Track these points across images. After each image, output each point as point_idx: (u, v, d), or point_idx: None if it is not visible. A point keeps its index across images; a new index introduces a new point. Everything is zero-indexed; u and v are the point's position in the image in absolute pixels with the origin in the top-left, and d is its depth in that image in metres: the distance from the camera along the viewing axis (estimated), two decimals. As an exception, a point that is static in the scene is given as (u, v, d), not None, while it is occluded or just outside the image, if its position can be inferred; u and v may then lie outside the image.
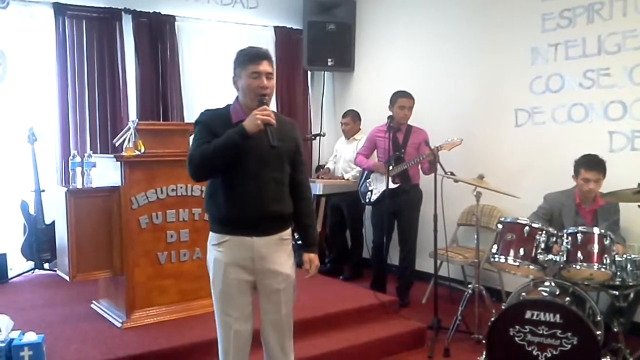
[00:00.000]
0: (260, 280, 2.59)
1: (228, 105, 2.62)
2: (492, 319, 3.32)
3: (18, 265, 5.30)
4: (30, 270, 5.29)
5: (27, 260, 5.26)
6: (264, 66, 2.49)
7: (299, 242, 2.83)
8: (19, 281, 5.15)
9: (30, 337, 3.10)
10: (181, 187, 3.97)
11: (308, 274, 2.72)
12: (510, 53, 4.99)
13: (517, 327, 3.23)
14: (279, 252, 2.59)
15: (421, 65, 5.83)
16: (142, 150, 3.86)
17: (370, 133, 5.29)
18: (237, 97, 2.60)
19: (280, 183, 2.58)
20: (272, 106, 6.49)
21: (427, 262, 4.88)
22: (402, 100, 4.93)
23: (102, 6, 5.62)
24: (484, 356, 3.37)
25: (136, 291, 3.85)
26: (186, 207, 4.00)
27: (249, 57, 2.51)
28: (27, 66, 5.37)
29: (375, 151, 5.25)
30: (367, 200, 5.22)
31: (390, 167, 4.82)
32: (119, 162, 3.80)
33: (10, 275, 5.16)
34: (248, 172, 2.50)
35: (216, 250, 2.58)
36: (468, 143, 4.75)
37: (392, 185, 4.84)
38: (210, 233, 2.62)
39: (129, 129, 3.91)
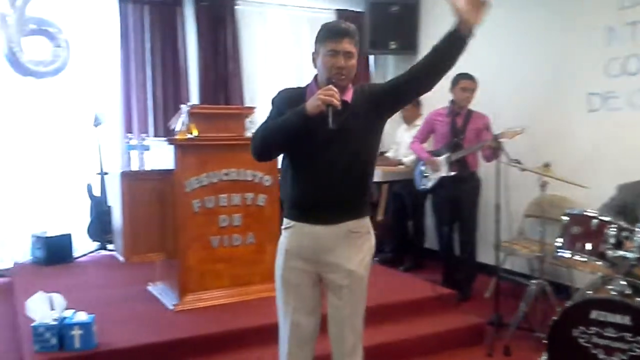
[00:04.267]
0: (324, 273, 2.41)
1: (308, 85, 2.43)
2: (554, 317, 3.09)
3: (84, 245, 5.47)
4: (95, 250, 5.44)
5: (93, 240, 5.42)
6: (344, 44, 2.26)
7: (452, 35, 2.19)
8: (84, 261, 5.32)
9: (81, 316, 3.15)
10: (233, 172, 3.93)
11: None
12: (584, 33, 4.63)
13: (581, 327, 2.98)
14: (344, 245, 2.37)
15: (488, 48, 5.52)
16: (195, 134, 3.85)
17: (428, 116, 5.08)
18: (315, 76, 2.39)
19: (349, 168, 2.34)
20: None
21: (491, 254, 4.65)
22: (464, 82, 4.68)
23: (165, -8, 5.68)
24: (545, 357, 3.15)
25: (189, 274, 3.85)
26: (239, 191, 3.96)
27: (328, 34, 2.28)
28: (92, 52, 5.49)
29: (432, 136, 5.04)
30: (422, 186, 5.03)
31: (447, 155, 4.61)
32: (172, 146, 3.80)
33: (75, 255, 5.33)
34: (313, 155, 2.32)
35: (283, 235, 2.46)
36: (535, 129, 4.48)
37: (448, 174, 4.64)
38: (283, 218, 2.49)
39: (183, 113, 3.90)
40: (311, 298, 2.45)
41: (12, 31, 4.63)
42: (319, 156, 2.32)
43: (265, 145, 2.34)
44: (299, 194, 2.39)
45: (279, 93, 2.45)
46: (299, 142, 2.30)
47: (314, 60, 2.37)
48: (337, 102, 2.18)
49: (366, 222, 2.46)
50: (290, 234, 2.43)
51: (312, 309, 2.45)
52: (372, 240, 2.51)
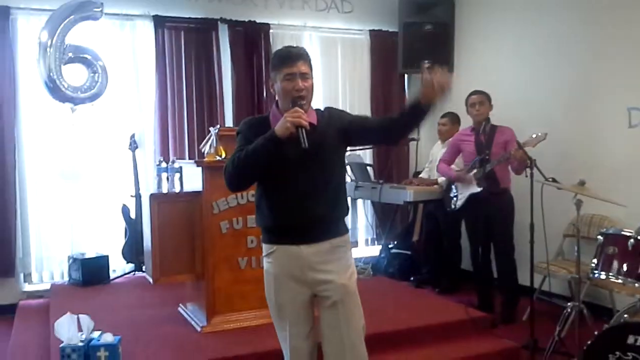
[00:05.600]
0: (317, 292, 2.43)
1: (269, 112, 2.50)
2: (589, 341, 2.94)
3: (121, 267, 5.57)
4: (131, 272, 5.52)
5: (127, 262, 5.51)
6: (299, 67, 2.33)
7: (414, 106, 2.31)
8: (119, 282, 5.40)
9: (107, 338, 3.18)
10: (261, 193, 3.93)
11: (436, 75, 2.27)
12: (625, 44, 4.49)
13: (617, 353, 2.83)
14: (330, 261, 2.42)
15: (526, 64, 5.44)
16: (223, 156, 3.88)
17: (453, 138, 5.05)
18: (276, 102, 2.47)
19: (325, 186, 2.40)
20: (364, 111, 6.43)
21: (528, 275, 4.49)
22: (470, 98, 4.74)
23: (199, 17, 5.78)
24: (580, 383, 3.01)
25: (216, 296, 3.86)
26: (266, 212, 3.95)
27: (282, 59, 2.36)
28: (129, 77, 5.64)
29: (460, 156, 4.95)
30: (453, 207, 4.93)
31: (474, 171, 4.52)
32: (200, 168, 3.84)
33: (112, 276, 5.42)
34: (288, 178, 2.36)
35: (266, 261, 2.49)
36: (570, 145, 4.34)
37: (476, 190, 4.55)
38: (263, 245, 2.52)
39: (211, 135, 3.95)
40: (306, 322, 2.47)
41: (51, 60, 4.79)
42: (295, 178, 2.36)
43: (239, 175, 2.37)
44: (278, 217, 2.41)
45: (244, 123, 2.51)
46: (273, 167, 2.33)
47: (271, 87, 2.45)
48: (305, 123, 2.25)
49: (347, 237, 2.51)
50: (275, 259, 2.45)
51: (307, 332, 2.47)
52: (352, 255, 2.56)
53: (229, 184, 2.42)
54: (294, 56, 2.35)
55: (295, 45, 2.47)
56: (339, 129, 2.45)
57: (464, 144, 4.82)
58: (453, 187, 4.96)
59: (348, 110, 2.69)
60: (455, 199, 4.90)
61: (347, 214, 2.52)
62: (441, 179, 5.50)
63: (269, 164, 2.31)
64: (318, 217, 2.39)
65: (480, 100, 4.69)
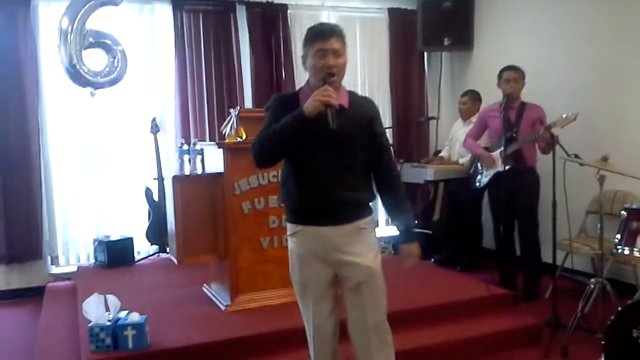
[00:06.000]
0: (340, 272, 2.44)
1: (300, 89, 2.49)
2: (612, 317, 2.93)
3: (145, 248, 5.65)
4: (155, 254, 5.60)
5: (152, 244, 5.59)
6: (331, 43, 2.30)
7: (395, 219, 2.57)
8: (144, 264, 5.49)
9: (134, 317, 3.24)
10: (282, 173, 3.96)
11: (404, 263, 2.50)
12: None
13: (641, 328, 2.83)
14: (355, 242, 2.41)
15: (547, 39, 5.35)
16: (244, 137, 3.90)
17: (481, 112, 4.99)
18: (307, 79, 2.45)
19: (351, 169, 2.38)
20: (383, 90, 6.37)
21: (550, 253, 4.47)
22: (506, 73, 4.62)
23: (217, -1, 5.79)
24: (603, 358, 3.00)
25: (240, 275, 3.90)
26: (287, 192, 3.97)
27: (315, 35, 2.34)
28: (148, 60, 5.67)
29: (487, 132, 4.91)
30: (478, 184, 4.91)
31: (500, 149, 4.48)
32: (221, 149, 3.87)
33: (137, 258, 5.51)
34: (314, 158, 2.34)
35: (290, 241, 2.50)
36: (594, 122, 4.28)
37: (501, 168, 4.50)
38: (287, 224, 2.53)
39: (232, 117, 3.97)
40: (329, 301, 2.49)
41: (72, 46, 4.83)
42: (321, 159, 2.35)
43: (265, 152, 2.37)
44: (304, 197, 2.40)
45: (274, 99, 2.50)
46: (299, 146, 2.32)
47: (304, 63, 2.43)
48: (335, 102, 2.23)
49: (372, 218, 2.51)
50: (300, 238, 2.46)
51: (330, 311, 2.50)
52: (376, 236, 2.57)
53: (256, 160, 2.41)
54: (327, 32, 2.33)
55: (329, 23, 2.44)
56: (367, 122, 2.43)
57: (491, 119, 4.76)
58: (478, 164, 4.93)
59: (370, 97, 2.66)
60: (480, 176, 4.87)
61: (372, 198, 2.49)
62: (462, 160, 5.48)
63: (296, 142, 2.30)
64: (343, 199, 2.37)
65: (516, 77, 4.59)
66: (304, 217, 2.42)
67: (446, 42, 6.25)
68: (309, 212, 2.41)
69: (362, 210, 2.45)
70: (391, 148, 2.62)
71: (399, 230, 2.53)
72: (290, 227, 2.50)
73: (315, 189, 2.37)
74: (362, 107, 2.45)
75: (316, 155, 2.34)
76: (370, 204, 2.49)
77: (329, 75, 2.30)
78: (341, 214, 2.39)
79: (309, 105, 2.23)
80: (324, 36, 2.31)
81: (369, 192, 2.47)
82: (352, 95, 2.45)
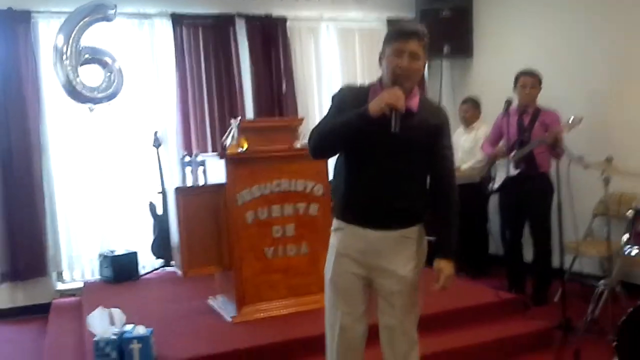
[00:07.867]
0: (375, 278, 2.37)
1: (371, 84, 2.39)
2: (623, 317, 2.90)
3: (150, 262, 5.63)
4: (160, 267, 5.58)
5: (157, 258, 5.56)
6: (410, 45, 2.19)
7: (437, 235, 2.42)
8: (149, 278, 5.47)
9: (140, 330, 3.22)
10: (285, 183, 3.95)
11: (436, 285, 2.35)
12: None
13: (653, 328, 2.79)
14: (396, 251, 2.33)
15: (547, 45, 5.36)
16: (245, 148, 3.89)
17: (497, 118, 4.97)
18: (380, 77, 2.34)
19: (405, 176, 2.29)
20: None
21: (558, 256, 4.44)
22: (522, 79, 4.57)
23: (216, 13, 5.80)
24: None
25: (245, 286, 3.88)
26: (291, 202, 3.96)
27: (395, 34, 2.25)
28: (149, 74, 5.69)
29: (504, 138, 4.89)
30: (490, 189, 4.88)
31: (513, 152, 4.46)
32: (223, 160, 3.86)
33: (141, 272, 5.48)
34: (369, 160, 2.27)
35: (334, 236, 2.43)
36: (598, 123, 4.26)
37: (513, 172, 4.47)
38: (333, 219, 2.45)
39: (232, 127, 3.97)
40: (360, 303, 2.40)
41: (67, 64, 4.83)
42: (377, 161, 2.27)
43: (323, 144, 2.31)
44: (352, 197, 2.34)
45: (341, 90, 2.42)
46: (358, 144, 2.26)
47: (380, 60, 2.33)
48: (401, 106, 2.14)
49: (419, 227, 2.40)
50: (342, 236, 2.39)
51: (361, 314, 2.41)
52: (424, 245, 2.44)
53: (312, 151, 2.33)
54: (407, 32, 2.24)
55: (415, 23, 2.36)
56: (433, 131, 2.32)
57: (505, 126, 4.71)
58: (491, 169, 4.91)
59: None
60: (493, 181, 4.86)
61: (423, 209, 2.38)
62: (464, 166, 5.46)
63: (354, 140, 2.24)
64: (390, 206, 2.31)
65: (533, 83, 4.55)
66: (350, 216, 2.36)
67: (445, 50, 6.25)
68: (354, 213, 2.34)
69: (410, 219, 2.36)
70: (454, 161, 2.49)
71: (438, 243, 2.41)
72: (335, 222, 2.43)
73: (363, 191, 2.31)
74: (431, 115, 2.35)
75: (371, 157, 2.27)
76: (420, 213, 2.39)
77: (400, 77, 2.21)
78: (386, 220, 2.30)
79: (374, 105, 2.16)
80: (403, 36, 2.22)
81: (420, 201, 2.37)
82: (423, 100, 2.36)
